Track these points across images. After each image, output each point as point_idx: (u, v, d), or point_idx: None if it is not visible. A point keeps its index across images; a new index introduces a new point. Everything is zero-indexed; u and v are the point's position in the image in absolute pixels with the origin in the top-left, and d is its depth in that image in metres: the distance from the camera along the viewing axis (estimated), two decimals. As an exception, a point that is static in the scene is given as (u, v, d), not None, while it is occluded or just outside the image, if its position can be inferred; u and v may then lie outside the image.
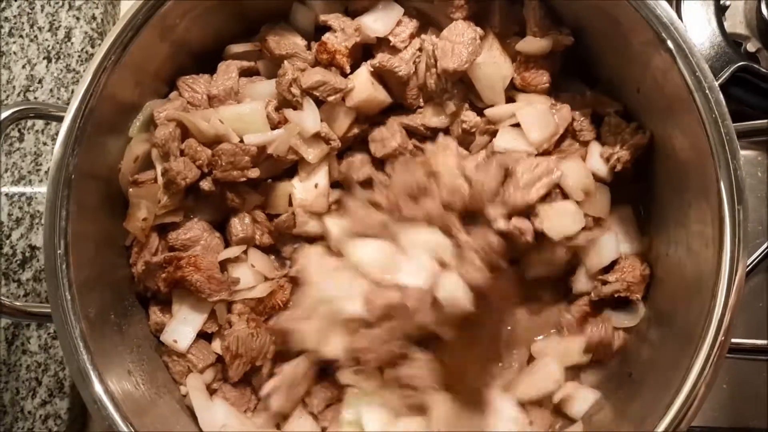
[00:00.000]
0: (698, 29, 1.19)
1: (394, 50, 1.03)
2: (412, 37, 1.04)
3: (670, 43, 0.86)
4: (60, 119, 0.89)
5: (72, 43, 1.23)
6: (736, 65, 1.14)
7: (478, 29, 1.00)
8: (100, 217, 0.96)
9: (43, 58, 1.22)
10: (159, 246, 1.00)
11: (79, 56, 1.23)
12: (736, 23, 1.23)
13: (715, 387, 0.82)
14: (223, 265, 1.00)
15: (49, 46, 1.23)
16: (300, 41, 1.04)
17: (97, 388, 0.84)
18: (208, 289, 0.97)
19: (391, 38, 1.02)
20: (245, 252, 1.02)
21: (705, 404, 0.81)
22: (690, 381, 0.80)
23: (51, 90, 1.21)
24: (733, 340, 0.82)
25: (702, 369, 0.80)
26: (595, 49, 1.01)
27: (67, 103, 1.13)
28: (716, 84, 0.84)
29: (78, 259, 0.87)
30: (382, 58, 1.00)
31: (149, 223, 0.98)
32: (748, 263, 0.89)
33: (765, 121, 0.91)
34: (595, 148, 1.02)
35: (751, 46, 1.21)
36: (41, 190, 1.18)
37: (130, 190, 0.98)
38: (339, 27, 1.01)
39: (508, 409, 0.95)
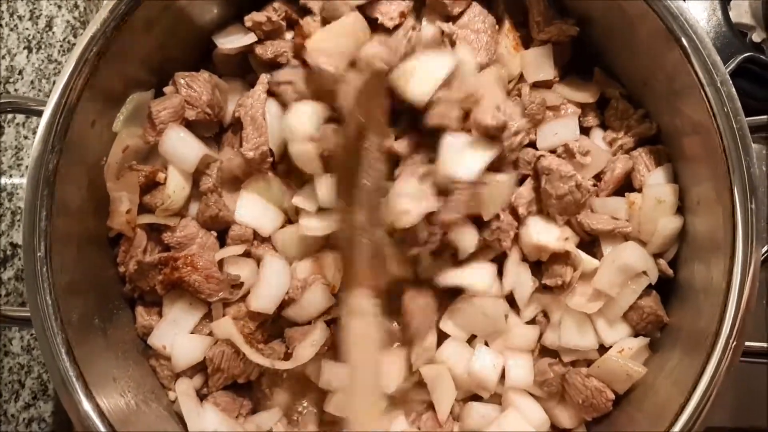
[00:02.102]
0: (703, 19, 1.16)
1: (384, 30, 0.94)
2: (402, 15, 0.94)
3: (679, 35, 0.82)
4: (40, 114, 0.84)
5: (53, 33, 1.18)
6: (742, 56, 1.11)
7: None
8: (83, 216, 0.91)
9: (24, 48, 1.17)
10: (148, 244, 0.96)
11: (61, 46, 1.18)
12: (741, 13, 1.20)
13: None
14: (220, 264, 0.96)
15: (29, 35, 1.18)
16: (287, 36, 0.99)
17: (81, 398, 0.80)
18: (207, 289, 0.93)
19: (378, 16, 0.93)
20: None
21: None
22: (702, 386, 0.78)
23: (32, 81, 1.17)
24: (746, 343, 0.79)
25: (714, 373, 0.78)
26: (601, 40, 0.98)
27: (48, 96, 1.09)
28: (729, 78, 0.81)
29: (60, 262, 0.83)
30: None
31: (134, 215, 0.94)
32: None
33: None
34: (597, 133, 0.99)
35: (756, 37, 1.18)
36: (23, 184, 1.13)
37: (109, 184, 0.93)
38: (318, 9, 0.95)
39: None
